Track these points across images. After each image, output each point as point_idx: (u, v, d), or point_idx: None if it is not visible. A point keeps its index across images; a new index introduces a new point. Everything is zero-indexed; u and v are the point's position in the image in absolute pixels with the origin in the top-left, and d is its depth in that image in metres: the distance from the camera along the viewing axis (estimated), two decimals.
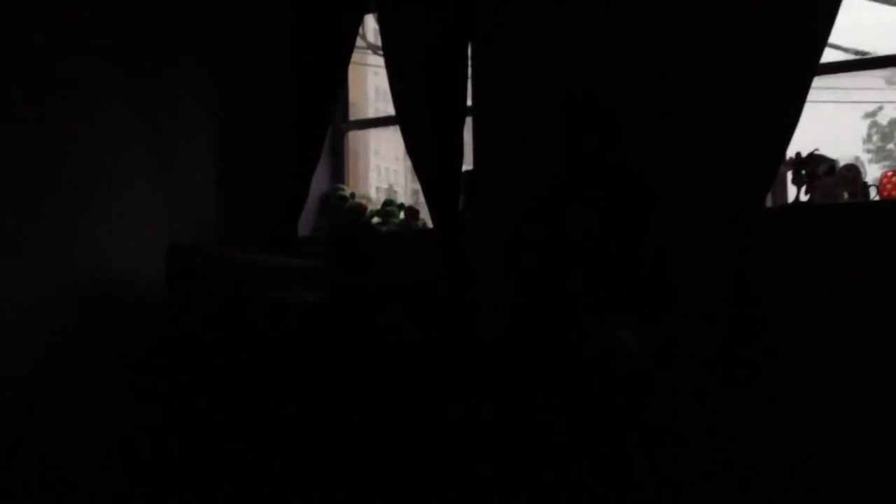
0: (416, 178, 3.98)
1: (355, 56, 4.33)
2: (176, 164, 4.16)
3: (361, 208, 4.36)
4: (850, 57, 3.58)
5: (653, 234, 2.92)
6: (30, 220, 3.46)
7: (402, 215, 4.29)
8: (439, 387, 3.21)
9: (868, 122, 3.80)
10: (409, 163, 4.09)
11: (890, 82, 3.69)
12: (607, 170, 3.02)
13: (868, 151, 3.73)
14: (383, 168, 5.41)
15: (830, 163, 3.42)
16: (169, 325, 3.52)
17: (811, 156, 3.42)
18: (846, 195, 3.38)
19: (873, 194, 3.38)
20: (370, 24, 4.63)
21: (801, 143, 3.34)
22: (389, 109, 4.16)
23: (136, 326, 3.76)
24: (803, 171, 3.42)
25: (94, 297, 3.67)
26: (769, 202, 3.44)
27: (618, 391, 2.75)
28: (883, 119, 3.78)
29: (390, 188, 5.22)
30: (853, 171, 3.39)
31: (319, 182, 4.36)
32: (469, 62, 3.87)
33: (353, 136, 4.65)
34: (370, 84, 5.12)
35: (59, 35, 3.60)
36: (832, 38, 3.24)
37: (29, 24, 3.50)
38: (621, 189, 2.97)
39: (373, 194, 4.80)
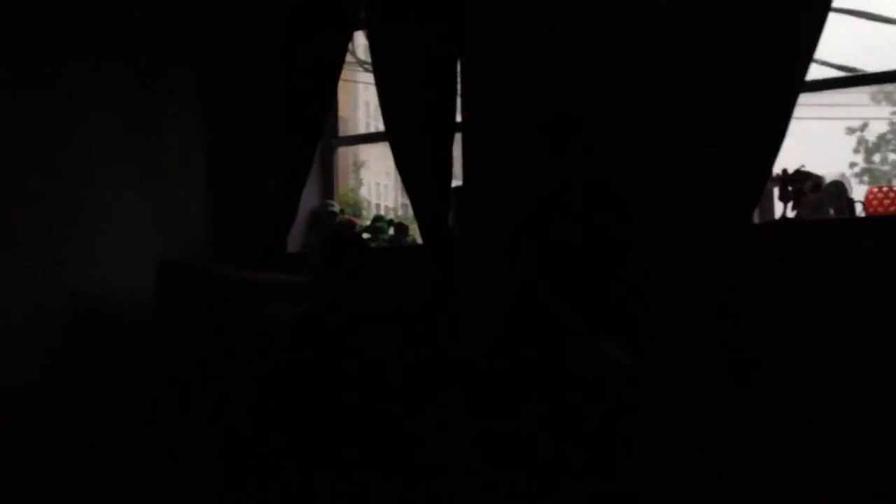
0: (405, 193, 3.98)
1: (345, 72, 4.34)
2: (166, 179, 4.15)
3: (351, 224, 4.37)
4: (837, 73, 3.60)
5: (635, 250, 2.93)
6: (18, 235, 3.45)
7: (391, 231, 4.29)
8: (425, 400, 3.20)
9: (854, 137, 3.82)
10: (399, 178, 4.09)
11: (875, 99, 3.71)
12: (588, 187, 3.02)
13: (853, 166, 3.75)
14: (373, 183, 5.41)
15: (817, 179, 3.44)
16: (158, 341, 3.51)
17: (797, 172, 3.44)
18: (832, 211, 3.40)
19: (859, 210, 3.40)
20: (360, 40, 4.65)
21: (787, 159, 3.37)
22: (380, 125, 4.16)
23: (125, 342, 3.75)
24: (790, 188, 3.44)
25: (82, 313, 3.66)
26: (756, 218, 3.46)
27: (606, 405, 2.76)
28: (869, 135, 3.80)
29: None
30: (839, 187, 3.41)
31: (309, 198, 4.36)
32: (458, 78, 3.89)
33: (343, 152, 4.65)
34: (360, 100, 5.14)
35: (47, 51, 3.61)
36: (818, 54, 3.25)
37: (16, 45, 3.51)
38: (603, 206, 2.98)
39: (363, 209, 4.80)
